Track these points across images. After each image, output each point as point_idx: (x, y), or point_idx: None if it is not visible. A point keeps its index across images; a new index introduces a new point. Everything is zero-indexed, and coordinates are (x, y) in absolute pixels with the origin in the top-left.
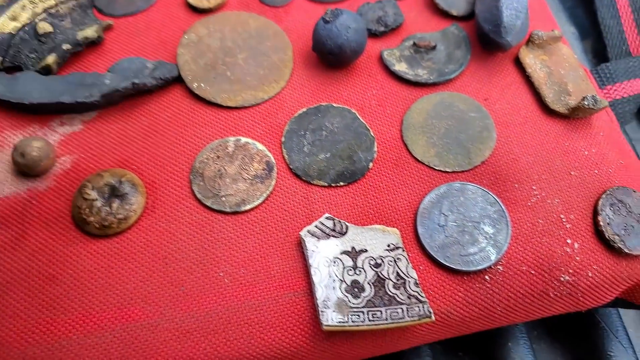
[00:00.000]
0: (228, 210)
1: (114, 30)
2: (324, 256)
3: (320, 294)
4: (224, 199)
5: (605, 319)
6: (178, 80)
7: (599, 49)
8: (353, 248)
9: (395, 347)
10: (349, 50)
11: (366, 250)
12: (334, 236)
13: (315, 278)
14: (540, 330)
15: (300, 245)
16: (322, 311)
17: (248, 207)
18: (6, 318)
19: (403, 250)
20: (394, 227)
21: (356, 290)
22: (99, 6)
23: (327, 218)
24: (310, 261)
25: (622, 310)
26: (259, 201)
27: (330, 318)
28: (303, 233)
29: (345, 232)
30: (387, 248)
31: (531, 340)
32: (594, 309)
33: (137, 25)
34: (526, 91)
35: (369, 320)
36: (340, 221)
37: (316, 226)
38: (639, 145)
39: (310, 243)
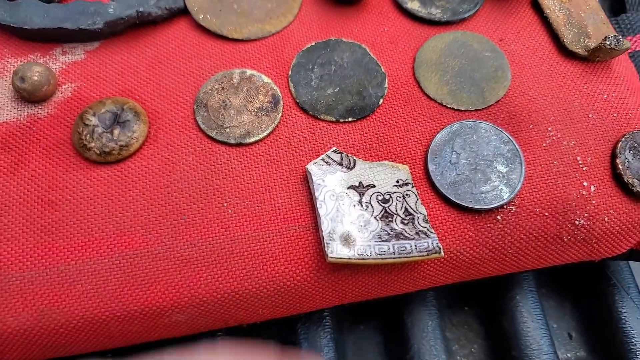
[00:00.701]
0: (232, 141)
1: None
2: (330, 189)
3: (325, 226)
4: (228, 130)
5: (616, 276)
6: (184, 11)
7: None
8: (360, 183)
9: (401, 288)
10: None
11: (374, 186)
12: (341, 170)
13: (321, 211)
14: (549, 288)
15: (306, 179)
16: (327, 243)
17: (253, 139)
18: (3, 241)
19: (412, 187)
20: (404, 164)
21: (362, 224)
22: None
23: (334, 151)
24: (316, 194)
25: (634, 266)
26: (264, 134)
27: (336, 250)
28: (309, 166)
29: (353, 167)
30: (396, 184)
31: (540, 297)
32: (606, 262)
33: None
34: (543, 33)
35: (376, 254)
36: (347, 155)
37: (323, 159)
38: None
39: (316, 176)
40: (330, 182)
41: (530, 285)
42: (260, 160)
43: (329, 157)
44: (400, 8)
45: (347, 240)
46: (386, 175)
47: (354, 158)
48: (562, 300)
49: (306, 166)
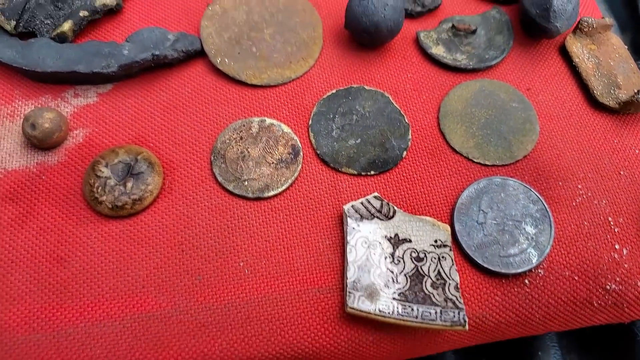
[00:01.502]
0: (250, 195)
1: None
2: (364, 236)
3: (351, 273)
4: (246, 183)
5: None
6: (200, 54)
7: (638, 42)
8: (396, 235)
9: (423, 351)
10: (386, 29)
11: (410, 241)
12: (378, 217)
13: (350, 256)
14: (570, 339)
15: (327, 236)
16: (349, 292)
17: (272, 193)
18: (10, 300)
19: (450, 250)
20: (445, 223)
21: (390, 279)
22: None
23: (375, 197)
24: (348, 238)
25: None
26: (284, 187)
27: (357, 301)
28: (347, 207)
29: (392, 217)
30: (434, 243)
31: (562, 352)
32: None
33: None
34: (572, 82)
35: (398, 314)
36: (388, 203)
37: (362, 203)
38: None
39: (352, 219)
40: (365, 229)
41: (552, 341)
42: (279, 216)
43: (369, 202)
44: (424, 53)
45: (370, 293)
46: (425, 232)
47: (395, 207)
48: (584, 354)
49: (344, 206)
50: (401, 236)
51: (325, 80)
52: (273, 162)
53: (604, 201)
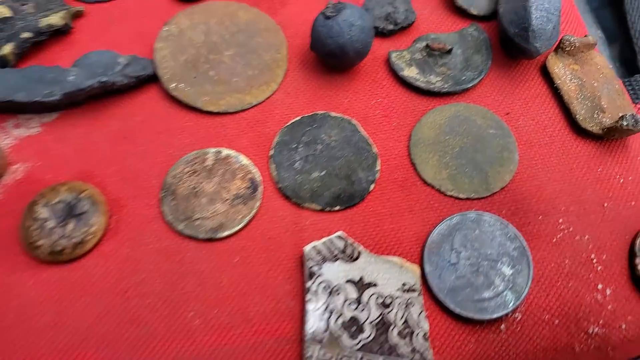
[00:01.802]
0: (202, 236)
1: (84, 17)
2: (326, 280)
3: (310, 324)
4: (198, 222)
5: None
6: (154, 79)
7: (626, 54)
8: (361, 278)
9: None
10: (352, 52)
11: (376, 285)
12: (342, 259)
13: (310, 305)
14: None
15: (287, 280)
16: (308, 345)
17: (226, 233)
18: None
19: (419, 294)
20: (414, 263)
21: (354, 329)
22: None
23: (338, 237)
24: (309, 284)
25: None
26: (240, 226)
27: (316, 355)
28: (307, 249)
29: (357, 258)
30: (402, 287)
31: None
32: None
33: (111, 13)
34: (554, 106)
35: None
36: (353, 243)
37: (324, 244)
38: None
39: (312, 262)
40: (327, 272)
41: None
42: (234, 259)
43: (332, 242)
44: (395, 76)
45: (331, 344)
46: (392, 275)
47: (360, 248)
48: None
49: (304, 248)
50: (366, 280)
51: (288, 107)
52: (229, 199)
53: (587, 236)
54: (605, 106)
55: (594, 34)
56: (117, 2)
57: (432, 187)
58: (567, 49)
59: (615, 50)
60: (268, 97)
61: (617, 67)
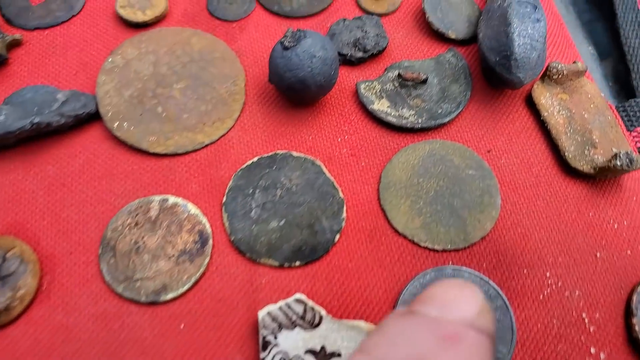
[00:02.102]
0: (144, 299)
1: (23, 46)
2: (282, 350)
3: None
4: (139, 283)
5: None
6: (97, 116)
7: (620, 72)
8: (323, 348)
9: None
10: (314, 86)
11: (339, 355)
12: (301, 326)
13: None
14: None
15: (239, 349)
16: None
17: (170, 295)
18: None
19: None
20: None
21: None
22: (7, 15)
23: (297, 300)
24: (263, 354)
25: None
26: (185, 288)
27: None
28: (262, 315)
29: (318, 324)
30: None
31: None
32: None
33: (53, 41)
34: (540, 141)
35: None
36: (313, 307)
37: (281, 308)
38: None
39: (267, 330)
40: (284, 341)
41: None
42: (179, 325)
43: (289, 306)
44: (364, 109)
45: None
46: (358, 343)
47: (322, 312)
48: None
49: (258, 313)
50: (329, 349)
51: (245, 146)
52: (174, 255)
53: (577, 292)
54: (597, 140)
55: (585, 51)
56: (60, 28)
57: (405, 237)
58: (554, 77)
59: (608, 67)
60: (223, 135)
61: (609, 86)
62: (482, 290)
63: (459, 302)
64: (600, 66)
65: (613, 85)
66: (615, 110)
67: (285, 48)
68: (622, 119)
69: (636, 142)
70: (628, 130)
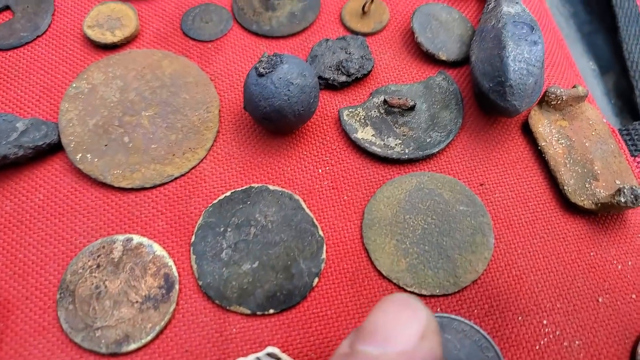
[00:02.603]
0: (104, 350)
1: None
2: None
3: None
4: (99, 332)
5: None
6: (58, 147)
7: (622, 88)
8: None
9: None
10: (291, 116)
11: None
12: None
13: None
14: None
15: None
16: None
17: (132, 346)
18: None
19: None
20: None
21: None
22: None
23: (268, 355)
24: None
25: None
26: (149, 338)
27: None
28: None
29: None
30: None
31: None
32: None
33: (16, 64)
34: (537, 173)
35: None
36: None
37: None
38: None
39: None
40: None
41: None
42: None
43: None
44: (348, 139)
45: None
46: None
47: None
48: None
49: None
50: None
51: (218, 179)
52: (137, 301)
53: (577, 342)
54: (599, 172)
55: (586, 66)
56: (23, 49)
57: (389, 280)
58: (552, 102)
59: (609, 82)
60: (194, 167)
61: (612, 103)
62: (474, 342)
63: (399, 331)
64: (601, 82)
65: (616, 102)
66: (618, 136)
67: (260, 75)
68: (626, 143)
69: None
70: (632, 155)
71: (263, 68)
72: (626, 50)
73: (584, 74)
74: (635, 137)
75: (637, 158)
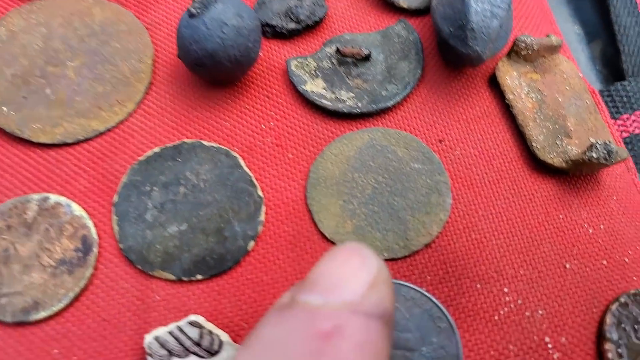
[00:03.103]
0: (9, 319)
1: None
2: None
3: None
4: (5, 299)
5: None
6: None
7: (610, 55)
8: None
9: None
10: (227, 61)
11: None
12: (197, 354)
13: None
14: None
15: None
16: None
17: (42, 314)
18: None
19: None
20: None
21: None
22: None
23: (190, 323)
24: None
25: None
26: (61, 305)
27: None
28: (148, 340)
29: (217, 351)
30: None
31: None
32: None
33: None
34: (504, 129)
35: None
36: (211, 332)
37: (171, 333)
38: None
39: (154, 359)
40: None
41: None
42: (52, 350)
43: (182, 330)
44: (295, 91)
45: None
46: None
47: (224, 337)
48: None
49: (145, 337)
50: None
51: (148, 134)
52: (50, 265)
53: (540, 312)
54: (572, 129)
55: (571, 30)
56: None
57: (333, 243)
58: (522, 52)
59: (596, 50)
60: (121, 122)
61: (597, 70)
62: (425, 311)
63: (344, 280)
64: (588, 48)
65: (601, 70)
66: (597, 94)
67: (192, 15)
68: (607, 105)
69: (621, 132)
70: (613, 117)
71: (194, 8)
72: (613, 13)
73: (568, 39)
74: (617, 98)
75: (617, 121)
